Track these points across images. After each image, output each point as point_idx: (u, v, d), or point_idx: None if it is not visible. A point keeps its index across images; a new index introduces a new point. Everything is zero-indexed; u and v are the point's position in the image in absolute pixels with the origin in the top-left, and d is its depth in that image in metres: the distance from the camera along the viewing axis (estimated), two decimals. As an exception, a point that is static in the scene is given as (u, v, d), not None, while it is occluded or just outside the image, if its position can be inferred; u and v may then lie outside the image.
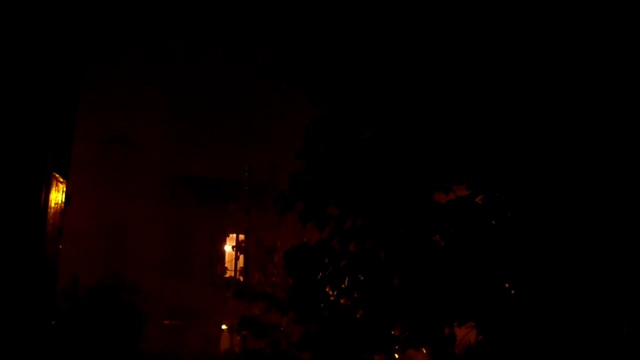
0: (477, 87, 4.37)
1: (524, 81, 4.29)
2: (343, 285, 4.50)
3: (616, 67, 4.16)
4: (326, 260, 4.44)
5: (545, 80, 4.25)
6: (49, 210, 4.97)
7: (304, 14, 4.89)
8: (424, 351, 5.42)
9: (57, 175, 5.42)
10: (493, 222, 4.43)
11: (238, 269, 23.67)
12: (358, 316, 4.66)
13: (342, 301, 4.68)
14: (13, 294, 4.09)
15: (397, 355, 6.61)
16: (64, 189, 5.68)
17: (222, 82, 40.50)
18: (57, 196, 5.40)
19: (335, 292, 4.58)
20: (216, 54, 40.57)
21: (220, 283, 16.61)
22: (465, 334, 4.93)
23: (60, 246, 6.32)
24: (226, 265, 24.88)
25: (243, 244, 19.39)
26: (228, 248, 27.68)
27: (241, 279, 20.32)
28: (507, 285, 4.45)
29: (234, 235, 25.70)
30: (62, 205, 5.69)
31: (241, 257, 23.31)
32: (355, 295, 4.50)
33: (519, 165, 4.28)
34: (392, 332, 4.65)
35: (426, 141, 4.50)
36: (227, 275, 23.66)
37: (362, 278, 4.45)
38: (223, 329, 26.08)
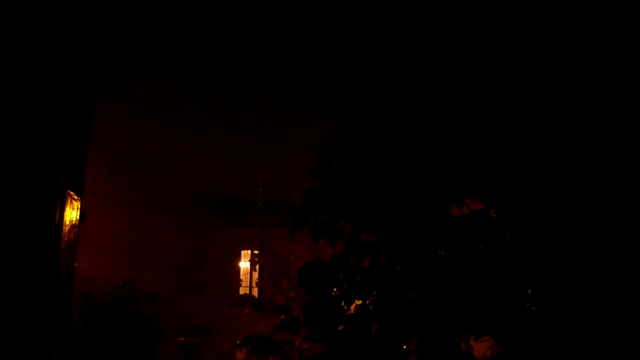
0: (483, 95, 4.38)
1: (527, 89, 4.30)
2: (358, 301, 4.48)
3: (615, 69, 4.14)
4: (340, 276, 4.43)
5: (547, 87, 4.25)
6: (63, 227, 5.01)
7: (314, 27, 4.93)
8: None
9: (72, 193, 5.46)
10: (508, 236, 4.40)
11: (253, 284, 23.63)
12: (373, 331, 4.63)
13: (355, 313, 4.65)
14: (28, 311, 4.10)
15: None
16: (79, 207, 5.72)
17: (237, 99, 40.76)
18: (71, 213, 5.43)
19: (349, 307, 4.55)
20: (231, 71, 40.87)
21: (236, 300, 16.53)
22: (484, 349, 4.87)
23: (76, 263, 6.34)
24: (241, 281, 24.84)
25: (257, 259, 19.36)
26: (243, 264, 27.68)
27: (256, 294, 20.26)
28: (524, 299, 4.40)
29: (249, 251, 25.70)
30: (77, 222, 5.73)
31: (255, 272, 23.29)
32: (370, 309, 4.47)
33: (527, 172, 4.26)
34: (408, 347, 4.61)
35: (439, 155, 4.49)
36: (242, 291, 23.63)
37: (375, 293, 4.43)
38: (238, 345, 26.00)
